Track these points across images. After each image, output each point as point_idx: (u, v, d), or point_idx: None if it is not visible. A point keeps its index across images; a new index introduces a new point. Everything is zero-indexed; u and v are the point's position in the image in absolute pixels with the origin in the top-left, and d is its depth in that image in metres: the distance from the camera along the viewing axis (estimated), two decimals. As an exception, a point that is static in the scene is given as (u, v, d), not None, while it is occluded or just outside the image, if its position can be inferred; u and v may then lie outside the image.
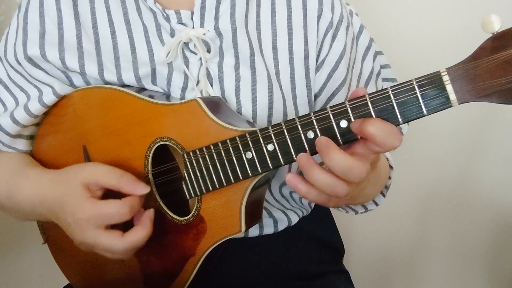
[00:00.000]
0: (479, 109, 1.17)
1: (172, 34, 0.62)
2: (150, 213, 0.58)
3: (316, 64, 0.64)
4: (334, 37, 0.64)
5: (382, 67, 0.71)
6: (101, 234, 0.55)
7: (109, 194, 0.57)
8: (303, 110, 0.65)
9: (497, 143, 1.22)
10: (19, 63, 0.65)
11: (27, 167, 0.67)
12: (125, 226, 0.57)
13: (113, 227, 0.56)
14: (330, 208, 0.86)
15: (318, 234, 0.76)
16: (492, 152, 1.23)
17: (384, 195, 0.70)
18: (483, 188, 1.26)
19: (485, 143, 1.23)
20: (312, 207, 0.78)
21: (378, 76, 0.70)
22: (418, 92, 0.44)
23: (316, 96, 0.67)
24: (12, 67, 0.66)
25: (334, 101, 0.66)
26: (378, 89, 0.69)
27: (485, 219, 1.29)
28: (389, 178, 0.68)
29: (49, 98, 0.65)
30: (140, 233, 0.56)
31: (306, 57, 0.63)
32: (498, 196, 1.26)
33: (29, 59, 0.64)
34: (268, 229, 0.71)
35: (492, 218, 1.29)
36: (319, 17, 0.63)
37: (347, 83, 0.66)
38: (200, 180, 0.57)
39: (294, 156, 0.51)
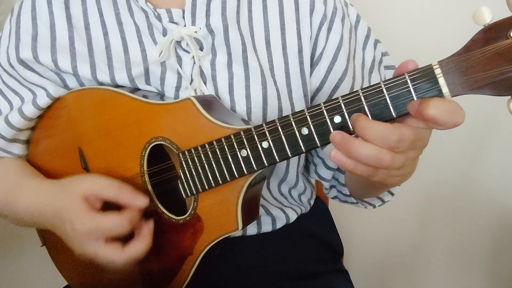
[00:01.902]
0: (480, 110, 1.17)
1: (164, 33, 0.62)
2: (149, 225, 0.58)
3: (314, 58, 0.64)
4: (329, 29, 0.64)
5: (382, 54, 0.70)
6: (101, 247, 0.55)
7: (108, 206, 0.57)
8: (299, 104, 0.65)
9: (497, 144, 1.22)
10: (12, 66, 0.65)
11: (25, 176, 0.66)
12: (124, 236, 0.56)
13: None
14: (330, 207, 0.85)
15: (316, 233, 0.76)
16: (492, 153, 1.23)
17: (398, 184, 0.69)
18: (484, 189, 1.26)
19: (485, 144, 1.23)
20: (311, 204, 0.78)
21: (380, 64, 0.70)
22: (410, 86, 0.44)
23: (318, 90, 0.66)
24: (5, 71, 0.66)
25: (339, 93, 0.66)
26: (381, 78, 0.69)
27: (485, 220, 1.29)
28: None
29: (43, 100, 0.65)
30: (140, 246, 0.56)
31: (300, 51, 0.63)
32: (498, 197, 1.26)
33: (22, 62, 0.64)
34: (266, 227, 0.71)
35: (492, 219, 1.28)
36: (311, 11, 0.63)
37: (349, 73, 0.65)
38: (196, 179, 0.57)
39: (289, 152, 0.51)
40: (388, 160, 0.44)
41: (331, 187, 0.73)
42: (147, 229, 0.57)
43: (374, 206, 0.71)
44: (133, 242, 0.56)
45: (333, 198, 0.75)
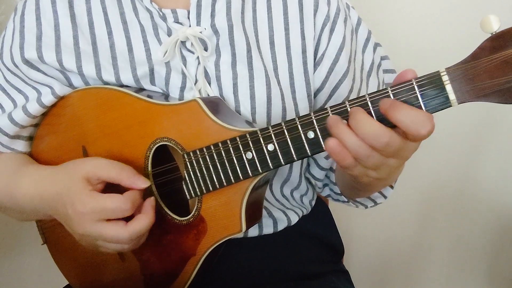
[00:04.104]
0: (480, 111, 1.17)
1: (169, 33, 0.62)
2: (151, 201, 0.57)
3: (316, 58, 0.65)
4: (332, 30, 0.64)
5: (382, 58, 0.71)
6: (105, 226, 0.55)
7: (109, 188, 0.57)
8: (303, 104, 0.65)
9: (497, 144, 1.23)
10: (16, 66, 0.64)
11: (26, 164, 0.66)
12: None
13: None
14: (330, 207, 0.86)
15: (317, 234, 0.77)
16: (492, 153, 1.24)
17: (392, 187, 0.70)
18: (483, 189, 1.27)
19: (485, 144, 1.23)
20: (312, 205, 0.79)
21: (379, 68, 0.70)
22: (417, 92, 0.45)
23: (319, 90, 0.67)
24: (8, 69, 0.66)
25: (338, 93, 0.66)
26: (380, 82, 0.69)
27: (485, 220, 1.30)
28: None
29: (48, 99, 0.65)
30: (143, 221, 0.55)
31: (304, 51, 0.63)
32: (498, 197, 1.27)
33: (27, 62, 0.64)
34: (268, 229, 0.71)
35: (492, 219, 1.29)
36: (315, 11, 0.63)
37: (350, 75, 0.66)
38: (200, 180, 0.57)
39: (294, 155, 0.51)
40: (364, 154, 0.45)
41: (324, 185, 0.74)
42: (150, 204, 0.57)
43: (366, 207, 0.72)
44: (136, 217, 0.56)
45: (327, 196, 0.76)
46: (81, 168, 0.57)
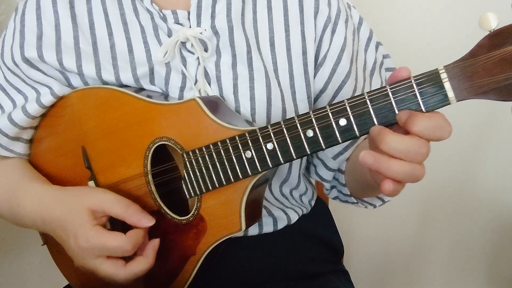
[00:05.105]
0: (480, 109, 1.17)
1: (169, 34, 0.63)
2: (154, 244, 0.58)
3: (318, 60, 0.65)
4: (333, 32, 0.64)
5: (383, 57, 0.71)
6: (103, 263, 0.55)
7: (114, 220, 0.58)
8: (303, 106, 0.65)
9: (497, 144, 1.23)
10: (16, 65, 0.64)
11: (28, 177, 0.66)
12: None
13: None
14: (330, 208, 0.86)
15: (317, 233, 0.77)
16: (492, 152, 1.24)
17: None
18: (484, 188, 1.27)
19: (485, 143, 1.23)
20: (312, 205, 0.79)
21: (382, 66, 0.71)
22: (416, 90, 0.45)
23: (322, 91, 0.67)
24: (8, 69, 0.66)
25: (342, 94, 0.66)
26: (382, 80, 0.70)
27: (485, 219, 1.30)
28: None
29: (47, 99, 0.65)
30: (142, 265, 0.56)
31: (304, 53, 0.64)
32: (499, 196, 1.27)
33: (27, 61, 0.64)
34: (268, 228, 0.71)
35: (492, 218, 1.29)
36: (316, 13, 0.63)
37: (352, 75, 0.66)
38: (200, 179, 0.57)
39: (293, 154, 0.51)
40: (422, 174, 0.45)
41: (332, 187, 0.74)
42: (152, 248, 0.58)
43: (375, 206, 0.72)
44: (136, 260, 0.57)
45: (334, 198, 0.76)
46: (87, 199, 0.57)
